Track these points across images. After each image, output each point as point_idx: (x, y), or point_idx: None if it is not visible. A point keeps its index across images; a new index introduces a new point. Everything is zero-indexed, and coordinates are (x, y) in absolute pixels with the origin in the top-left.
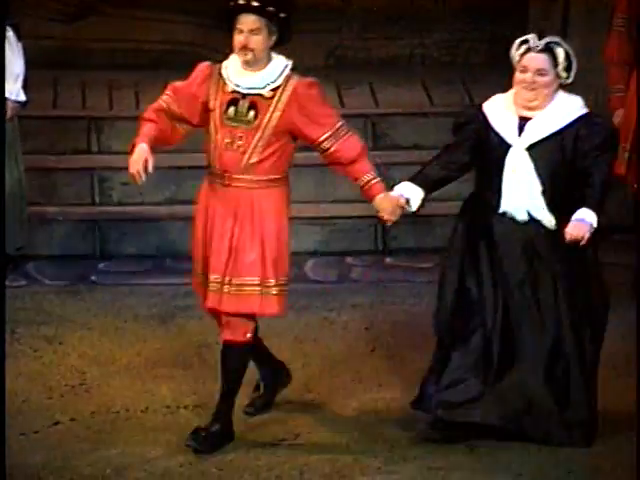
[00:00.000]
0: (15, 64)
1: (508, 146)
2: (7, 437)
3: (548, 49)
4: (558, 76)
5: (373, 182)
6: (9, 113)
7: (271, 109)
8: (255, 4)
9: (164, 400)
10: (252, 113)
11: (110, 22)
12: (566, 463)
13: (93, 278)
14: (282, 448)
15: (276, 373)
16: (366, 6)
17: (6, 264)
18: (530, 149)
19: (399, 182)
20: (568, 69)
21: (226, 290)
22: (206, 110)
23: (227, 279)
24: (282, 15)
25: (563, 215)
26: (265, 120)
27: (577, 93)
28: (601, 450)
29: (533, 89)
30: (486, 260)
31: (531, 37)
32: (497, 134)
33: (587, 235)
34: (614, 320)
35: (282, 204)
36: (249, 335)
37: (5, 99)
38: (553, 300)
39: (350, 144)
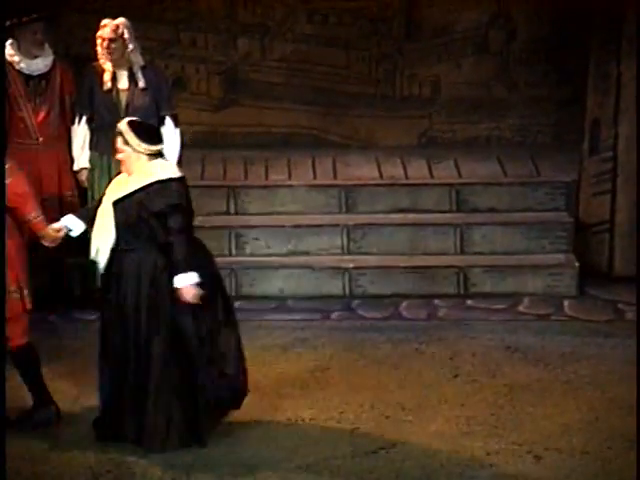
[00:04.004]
0: (173, 145)
1: None
2: None
3: (119, 133)
4: (137, 150)
5: (35, 221)
6: None
7: None
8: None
9: (285, 413)
10: None
11: (246, 111)
12: None
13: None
14: (381, 455)
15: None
16: (452, 96)
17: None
18: (115, 204)
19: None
20: (147, 142)
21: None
22: None
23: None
24: None
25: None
26: None
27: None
28: None
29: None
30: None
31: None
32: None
33: (195, 292)
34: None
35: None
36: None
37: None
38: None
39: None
